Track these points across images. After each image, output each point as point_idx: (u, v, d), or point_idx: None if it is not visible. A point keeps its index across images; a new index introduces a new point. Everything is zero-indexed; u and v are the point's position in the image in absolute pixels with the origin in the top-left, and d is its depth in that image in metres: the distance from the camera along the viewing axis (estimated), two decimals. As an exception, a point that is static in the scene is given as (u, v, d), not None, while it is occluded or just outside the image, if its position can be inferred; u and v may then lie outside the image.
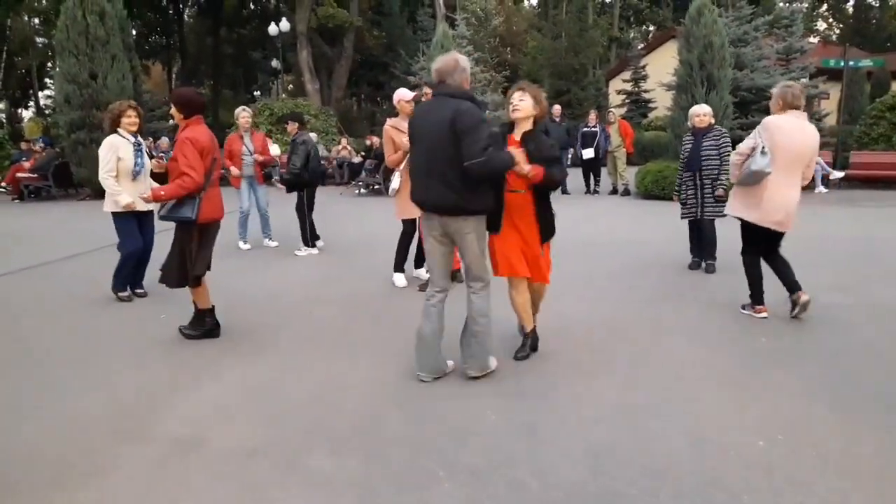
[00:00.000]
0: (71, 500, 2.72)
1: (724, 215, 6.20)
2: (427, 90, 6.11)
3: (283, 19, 24.74)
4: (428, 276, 6.40)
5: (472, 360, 3.87)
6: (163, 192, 4.50)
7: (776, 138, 4.73)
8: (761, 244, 5.04)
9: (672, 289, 6.02)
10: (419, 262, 6.62)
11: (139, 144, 5.85)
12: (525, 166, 3.76)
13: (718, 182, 6.41)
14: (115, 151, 5.70)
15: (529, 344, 4.31)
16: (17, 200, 15.70)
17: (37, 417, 3.54)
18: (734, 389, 3.70)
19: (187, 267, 4.65)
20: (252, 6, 41.10)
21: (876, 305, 5.33)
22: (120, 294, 5.98)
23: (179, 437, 3.26)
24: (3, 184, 16.58)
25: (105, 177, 5.72)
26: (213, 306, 4.95)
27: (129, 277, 6.03)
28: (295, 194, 7.96)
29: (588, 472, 2.83)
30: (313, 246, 8.17)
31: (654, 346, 4.50)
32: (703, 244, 6.75)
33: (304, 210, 8.00)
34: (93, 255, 8.33)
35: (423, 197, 3.77)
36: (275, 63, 30.69)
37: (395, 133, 6.18)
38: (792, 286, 4.97)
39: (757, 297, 5.10)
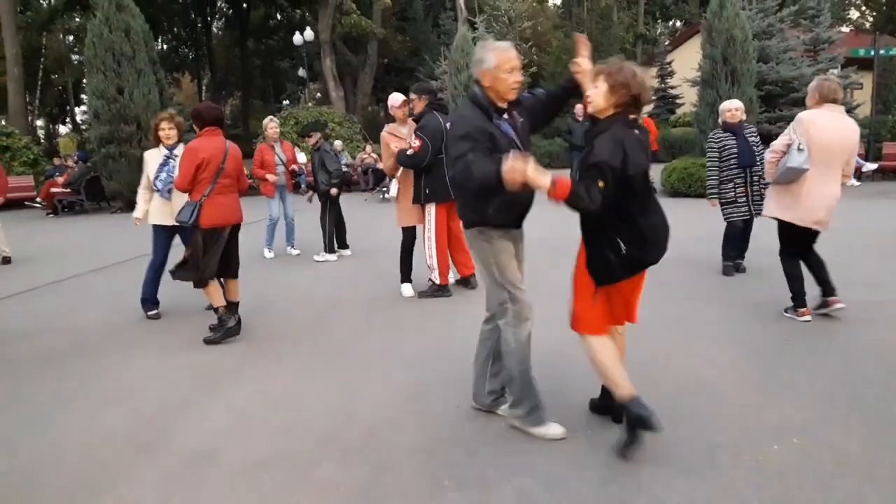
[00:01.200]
0: (87, 513, 2.77)
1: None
2: (414, 96, 6.10)
3: (308, 28, 25.01)
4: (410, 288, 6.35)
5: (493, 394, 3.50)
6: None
7: (811, 133, 4.55)
8: (799, 244, 4.88)
9: (697, 288, 5.93)
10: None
11: (169, 157, 5.78)
12: (535, 176, 2.74)
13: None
14: (146, 166, 5.84)
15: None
16: (51, 215, 16.10)
17: (59, 428, 3.62)
18: (752, 392, 3.62)
19: (190, 267, 4.99)
20: (278, 17, 41.63)
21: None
22: (147, 313, 5.97)
23: (196, 449, 3.30)
24: (39, 199, 17.02)
25: (139, 189, 5.94)
26: (232, 303, 5.21)
27: (148, 291, 5.96)
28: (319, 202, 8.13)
29: (598, 480, 2.79)
30: (332, 252, 8.25)
31: (676, 345, 4.43)
32: (745, 245, 6.53)
33: (325, 216, 8.15)
34: (120, 268, 8.50)
35: None
36: (301, 72, 31.04)
37: (391, 139, 6.18)
38: (826, 287, 4.83)
39: (799, 299, 4.88)
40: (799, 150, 4.49)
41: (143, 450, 3.31)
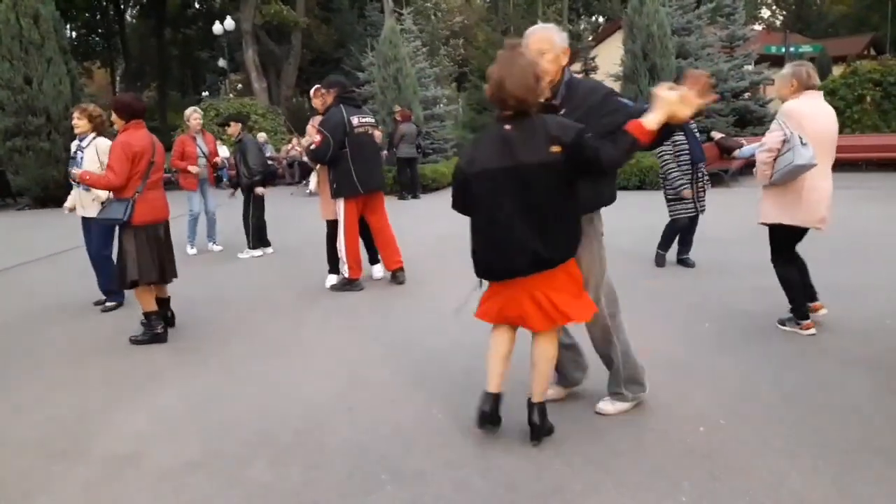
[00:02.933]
0: (-4, 528, 2.60)
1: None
2: (323, 90, 6.07)
3: (228, 18, 24.29)
4: (381, 273, 6.38)
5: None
6: (87, 177, 4.81)
7: (804, 125, 4.12)
8: (793, 247, 4.52)
9: (625, 278, 6.05)
10: (374, 259, 6.56)
11: (77, 149, 5.66)
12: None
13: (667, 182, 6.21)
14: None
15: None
16: (-49, 212, 15.12)
17: (-37, 441, 3.38)
18: (677, 377, 3.74)
19: (124, 269, 4.74)
20: (196, 5, 40.24)
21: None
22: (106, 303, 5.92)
23: (117, 454, 3.15)
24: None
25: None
26: (163, 299, 5.06)
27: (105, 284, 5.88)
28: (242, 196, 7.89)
29: (533, 467, 2.81)
30: (255, 248, 8.06)
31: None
32: (689, 239, 6.49)
33: (247, 211, 7.93)
34: (31, 266, 8.04)
35: None
36: (221, 63, 30.13)
37: (314, 131, 6.18)
38: (808, 292, 4.54)
39: (802, 309, 4.41)
40: (803, 144, 4.01)
41: (60, 458, 3.13)
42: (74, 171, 5.13)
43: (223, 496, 2.74)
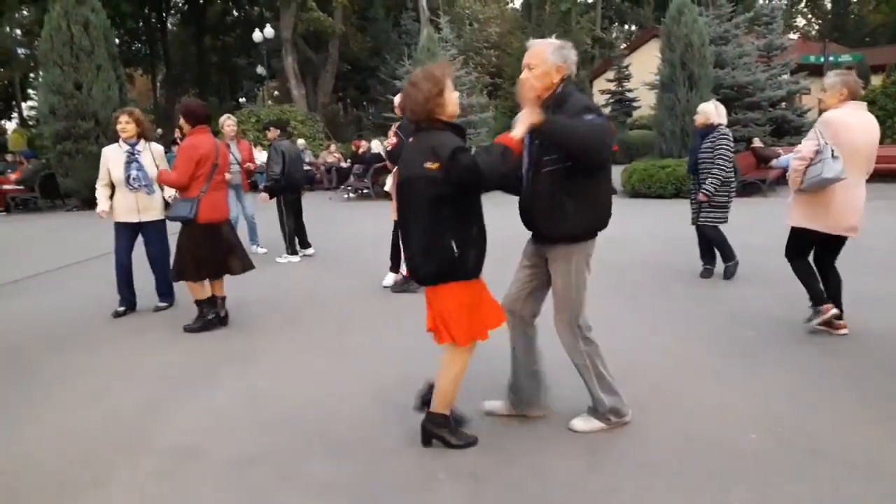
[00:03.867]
0: (73, 513, 2.74)
1: (718, 223, 6.12)
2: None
3: (268, 26, 24.73)
4: (393, 279, 6.43)
5: None
6: (160, 176, 5.20)
7: (840, 135, 4.16)
8: (813, 250, 4.60)
9: (662, 286, 6.09)
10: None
11: (133, 153, 5.66)
12: None
13: (703, 187, 6.07)
14: (106, 162, 5.68)
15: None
16: (3, 213, 15.61)
17: (36, 430, 3.55)
18: (724, 385, 3.76)
19: (177, 263, 5.08)
20: (236, 13, 40.98)
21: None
22: (117, 308, 5.90)
23: (179, 447, 3.28)
24: (-10, 196, 16.48)
25: (97, 185, 5.75)
26: (215, 298, 5.31)
27: (121, 290, 5.89)
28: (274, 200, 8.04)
29: (585, 468, 2.88)
30: (294, 253, 8.19)
31: (643, 343, 4.55)
32: (708, 249, 6.41)
33: (282, 217, 8.06)
34: (83, 266, 8.32)
35: None
36: (260, 70, 30.62)
37: (393, 135, 6.28)
38: (835, 305, 4.51)
39: (820, 296, 4.52)
40: (834, 157, 4.07)
41: (124, 449, 3.28)
42: (135, 173, 5.46)
43: (283, 489, 2.85)
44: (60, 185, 15.57)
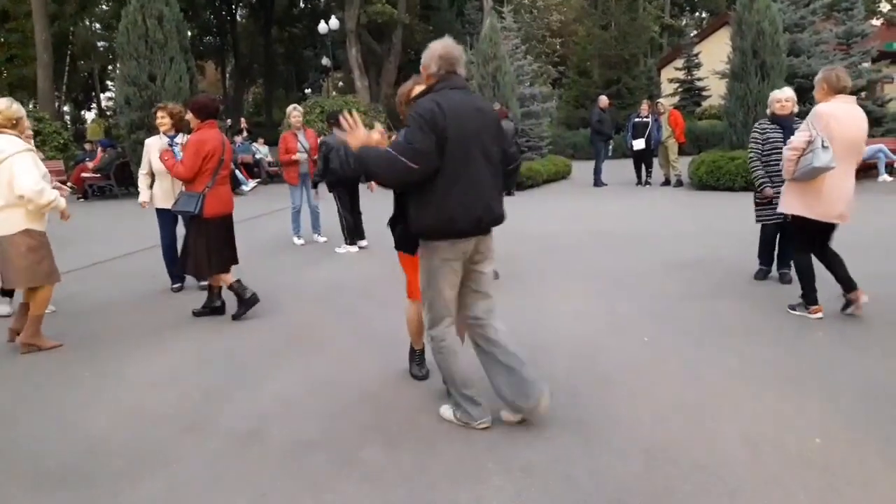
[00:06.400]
0: (139, 491, 2.87)
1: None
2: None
3: (333, 17, 25.06)
4: None
5: None
6: (166, 157, 5.26)
7: (832, 127, 4.45)
8: (815, 241, 4.84)
9: (728, 284, 5.91)
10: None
11: (171, 145, 5.98)
12: None
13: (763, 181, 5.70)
14: (148, 152, 6.21)
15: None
16: (81, 199, 16.35)
17: (106, 412, 3.72)
18: (791, 387, 3.64)
19: (190, 258, 5.21)
20: (302, 5, 41.68)
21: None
22: (172, 286, 6.50)
23: (241, 430, 3.39)
24: (70, 183, 17.28)
25: (139, 174, 6.36)
26: (217, 287, 5.54)
27: (170, 269, 6.46)
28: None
29: (641, 468, 2.84)
30: (353, 244, 8.30)
31: (709, 343, 4.44)
32: (783, 250, 5.92)
33: (340, 208, 8.19)
34: (153, 251, 8.63)
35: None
36: (325, 61, 31.11)
37: None
38: (847, 283, 4.75)
39: (812, 296, 4.84)
40: (824, 147, 4.37)
41: (191, 431, 3.41)
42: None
43: (341, 475, 2.91)
44: (133, 173, 16.19)
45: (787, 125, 5.64)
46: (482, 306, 3.29)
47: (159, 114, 6.14)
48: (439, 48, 3.14)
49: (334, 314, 5.49)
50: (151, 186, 6.29)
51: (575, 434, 3.18)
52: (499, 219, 3.23)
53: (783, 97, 5.74)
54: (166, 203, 6.08)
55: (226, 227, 5.35)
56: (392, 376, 4.04)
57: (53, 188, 4.84)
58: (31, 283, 4.75)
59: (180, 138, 6.02)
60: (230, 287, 5.35)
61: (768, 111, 5.94)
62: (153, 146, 6.13)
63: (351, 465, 3.00)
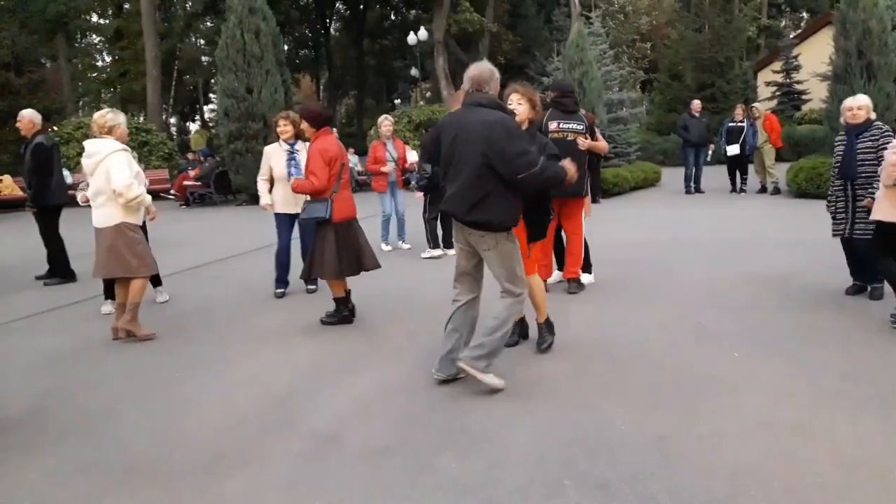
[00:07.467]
0: (222, 488, 2.98)
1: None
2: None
3: (422, 28, 25.46)
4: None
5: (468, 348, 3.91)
6: (296, 185, 5.35)
7: None
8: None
9: (824, 297, 5.58)
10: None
11: (292, 152, 6.29)
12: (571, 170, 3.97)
13: (869, 190, 5.13)
14: (268, 159, 6.40)
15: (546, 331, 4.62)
16: (183, 206, 17.27)
17: (197, 409, 3.90)
18: (893, 408, 3.39)
19: (317, 262, 5.27)
20: (393, 17, 42.57)
21: None
22: (276, 291, 6.61)
23: (320, 433, 3.47)
24: (173, 191, 18.30)
25: (258, 180, 6.52)
26: (349, 292, 5.55)
27: (280, 272, 6.57)
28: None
29: (727, 490, 2.71)
30: (437, 247, 8.37)
31: (802, 358, 4.20)
32: (861, 266, 5.52)
33: (426, 213, 8.29)
34: (249, 256, 9.02)
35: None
36: (414, 71, 31.62)
37: None
38: None
39: None
40: None
41: (273, 431, 3.52)
42: (294, 169, 6.08)
43: (415, 482, 2.92)
44: (232, 182, 16.97)
45: (855, 133, 5.28)
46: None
47: (281, 122, 6.36)
48: (471, 70, 3.89)
49: (414, 320, 5.54)
50: (270, 191, 6.51)
51: (655, 451, 3.07)
52: None
53: (855, 105, 5.32)
54: (286, 208, 6.37)
55: (353, 232, 5.41)
56: (467, 384, 4.03)
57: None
58: (124, 273, 5.13)
59: (300, 146, 6.27)
60: (337, 298, 5.45)
61: (841, 120, 5.55)
62: (272, 153, 6.38)
63: (424, 472, 3.01)
